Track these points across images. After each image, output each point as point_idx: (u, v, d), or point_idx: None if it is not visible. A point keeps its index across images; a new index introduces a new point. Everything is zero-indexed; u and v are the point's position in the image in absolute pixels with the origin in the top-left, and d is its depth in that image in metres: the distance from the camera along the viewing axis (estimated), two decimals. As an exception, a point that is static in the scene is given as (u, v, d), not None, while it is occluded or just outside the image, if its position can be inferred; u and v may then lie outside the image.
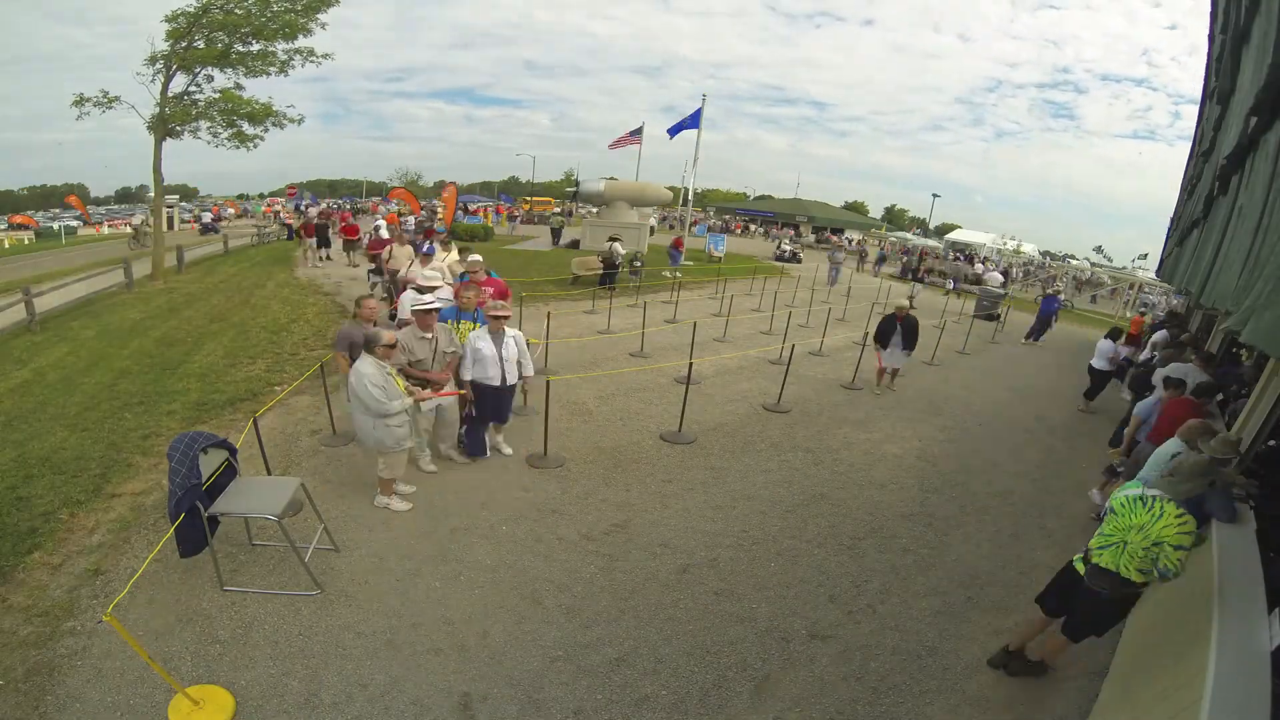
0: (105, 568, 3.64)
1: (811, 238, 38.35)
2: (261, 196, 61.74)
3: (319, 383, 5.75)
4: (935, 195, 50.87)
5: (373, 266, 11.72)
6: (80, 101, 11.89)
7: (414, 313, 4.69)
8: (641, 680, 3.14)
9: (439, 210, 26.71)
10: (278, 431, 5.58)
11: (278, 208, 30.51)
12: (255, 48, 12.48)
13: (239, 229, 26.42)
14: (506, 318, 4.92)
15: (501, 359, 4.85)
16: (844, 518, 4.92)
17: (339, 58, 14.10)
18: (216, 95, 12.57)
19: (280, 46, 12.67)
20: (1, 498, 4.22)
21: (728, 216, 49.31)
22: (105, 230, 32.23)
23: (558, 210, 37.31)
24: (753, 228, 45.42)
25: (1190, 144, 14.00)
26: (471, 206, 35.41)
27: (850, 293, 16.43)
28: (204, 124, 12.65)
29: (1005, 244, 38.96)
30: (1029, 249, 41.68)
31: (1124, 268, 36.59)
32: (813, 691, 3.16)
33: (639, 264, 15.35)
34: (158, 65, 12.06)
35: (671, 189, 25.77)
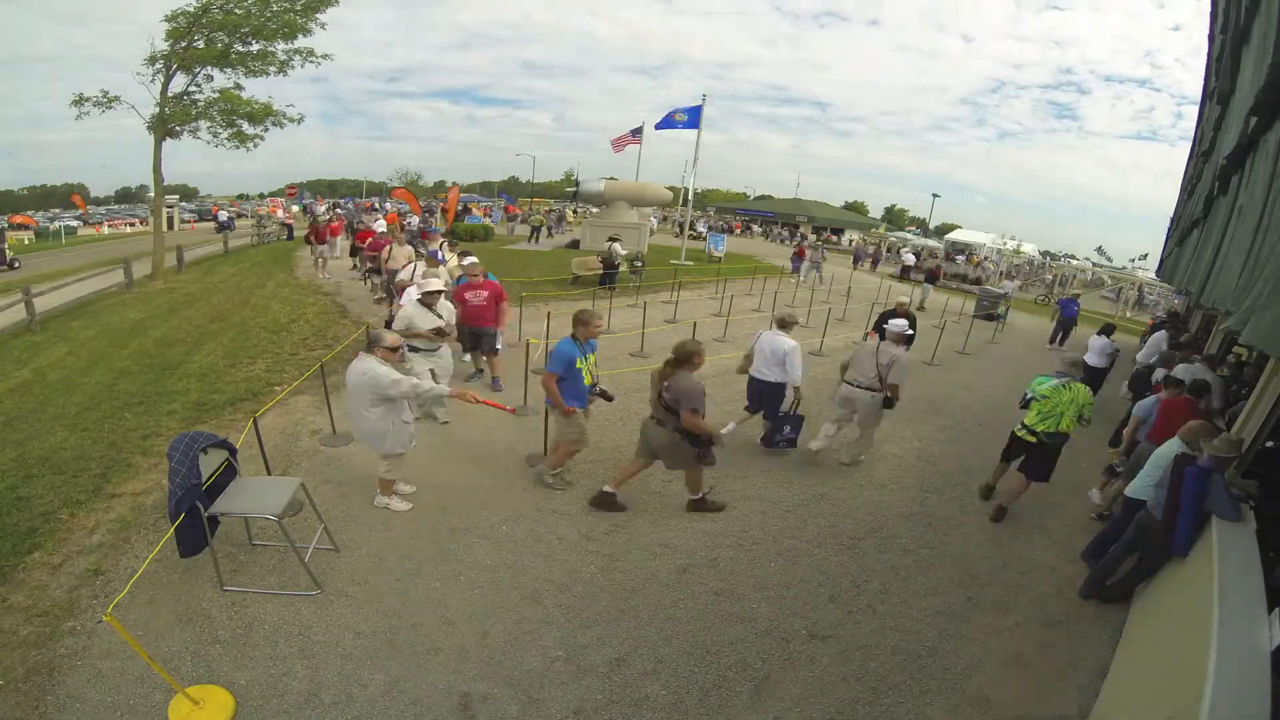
0: (105, 568, 3.64)
1: (812, 237, 38.43)
2: (261, 196, 61.77)
3: (319, 383, 5.75)
4: (935, 195, 50.99)
5: (370, 266, 11.69)
6: (80, 101, 11.89)
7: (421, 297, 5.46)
8: (641, 680, 3.14)
9: (439, 210, 26.73)
10: (278, 431, 5.58)
11: (281, 214, 30.36)
12: (255, 48, 12.49)
13: (240, 229, 26.42)
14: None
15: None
16: (844, 518, 4.92)
17: (339, 58, 14.13)
18: (216, 95, 12.58)
19: (280, 46, 12.68)
20: (1, 498, 4.22)
21: (728, 216, 49.32)
22: (105, 230, 32.24)
23: (546, 210, 37.35)
24: (754, 228, 45.44)
25: (1190, 144, 14.02)
26: (477, 207, 35.42)
27: (850, 293, 16.43)
28: (204, 124, 12.66)
29: (1005, 244, 38.98)
30: (1029, 249, 41.72)
31: (1124, 268, 36.62)
32: (813, 691, 3.16)
33: (640, 264, 15.36)
34: (157, 65, 12.07)
35: (671, 189, 25.77)
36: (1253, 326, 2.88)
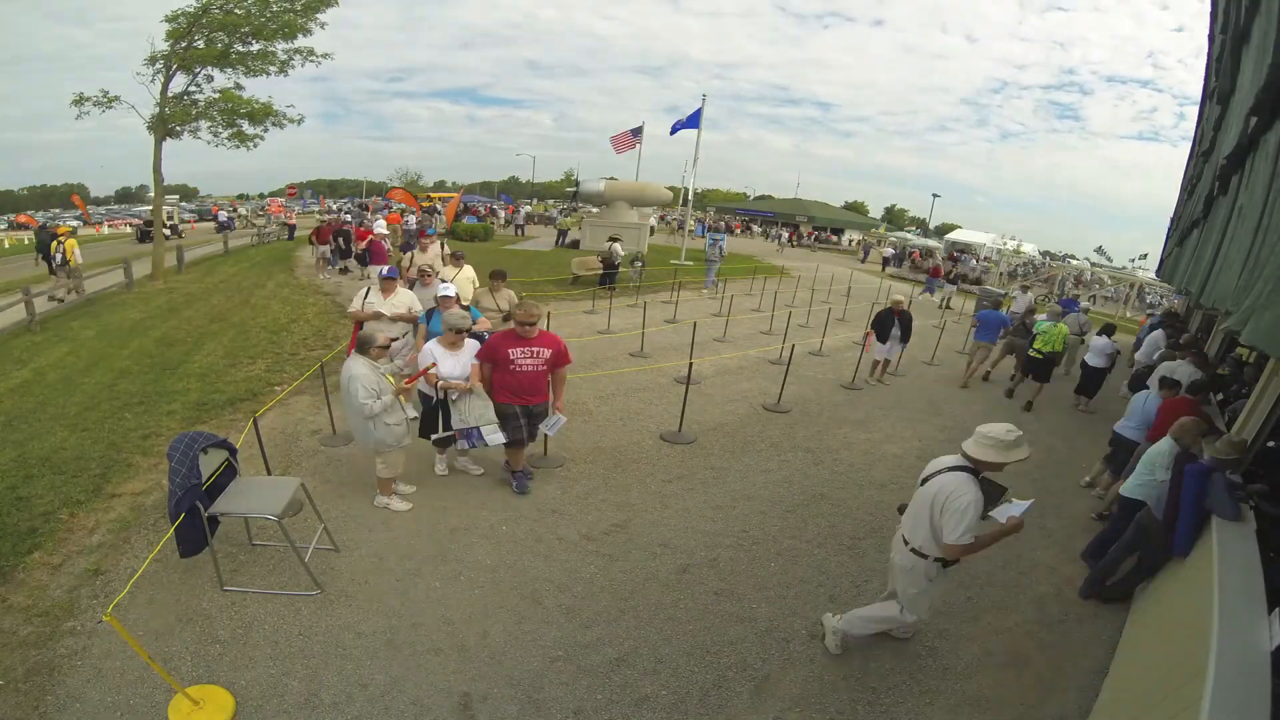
0: (105, 568, 3.64)
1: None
2: (261, 196, 61.74)
3: (319, 383, 5.75)
4: (935, 195, 50.98)
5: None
6: (80, 101, 11.89)
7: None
8: (641, 680, 3.14)
9: (439, 211, 26.72)
10: (278, 431, 5.58)
11: (283, 216, 30.31)
12: (255, 48, 12.49)
13: (242, 229, 26.42)
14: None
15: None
16: (844, 518, 4.92)
17: (340, 58, 14.14)
18: (216, 95, 12.58)
19: (280, 46, 12.68)
20: (1, 498, 4.23)
21: (727, 216, 49.32)
22: (105, 230, 32.23)
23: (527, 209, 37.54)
24: (754, 228, 45.42)
25: (1190, 144, 14.02)
26: (472, 206, 35.42)
27: (850, 293, 16.43)
28: (204, 124, 12.66)
29: (1005, 244, 38.99)
30: (1029, 249, 41.72)
31: (1124, 268, 36.61)
32: (813, 691, 3.16)
33: (640, 264, 15.35)
34: (157, 65, 12.06)
35: (671, 189, 25.79)
36: (1253, 326, 2.88)
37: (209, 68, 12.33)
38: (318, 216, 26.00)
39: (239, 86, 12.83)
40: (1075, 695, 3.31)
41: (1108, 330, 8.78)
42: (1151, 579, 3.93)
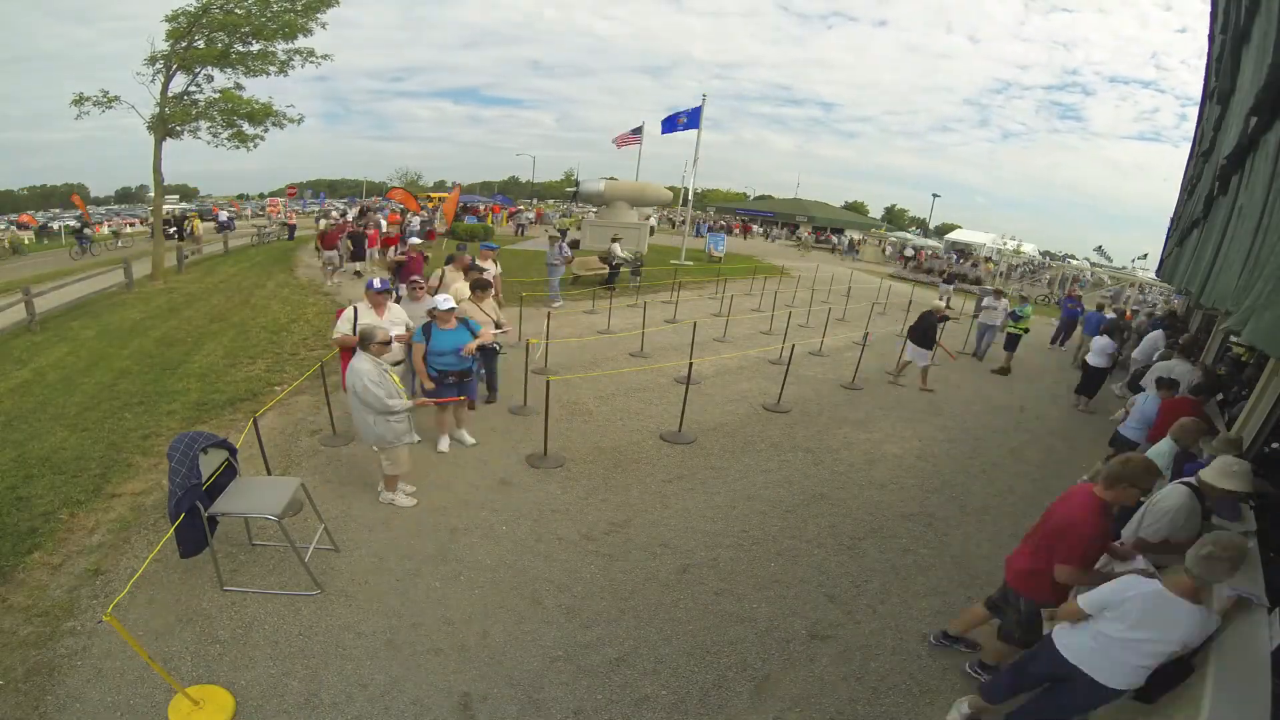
0: (105, 568, 3.64)
1: (811, 238, 38.48)
2: (261, 196, 61.73)
3: (319, 383, 5.75)
4: (935, 195, 50.92)
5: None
6: (80, 101, 11.89)
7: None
8: (641, 680, 3.14)
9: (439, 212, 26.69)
10: (278, 431, 5.58)
11: (283, 217, 30.23)
12: (255, 48, 12.49)
13: (242, 229, 26.43)
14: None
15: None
16: (844, 518, 4.92)
17: (341, 57, 14.16)
18: (216, 95, 12.59)
19: (280, 47, 12.68)
20: (1, 498, 4.23)
21: (728, 216, 49.29)
22: (105, 230, 32.22)
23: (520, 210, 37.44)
24: (755, 228, 45.37)
25: (1190, 144, 14.01)
26: (472, 206, 35.40)
27: (850, 293, 16.43)
28: (204, 124, 12.67)
29: (1005, 244, 38.96)
30: (1029, 249, 41.68)
31: (1124, 268, 36.60)
32: (813, 691, 3.16)
33: (639, 263, 15.32)
34: (158, 65, 12.07)
35: (671, 189, 25.78)
36: (1253, 326, 2.88)
37: (209, 68, 12.34)
38: (318, 220, 24.55)
39: (239, 87, 12.85)
40: (1075, 695, 3.31)
41: (1109, 331, 8.78)
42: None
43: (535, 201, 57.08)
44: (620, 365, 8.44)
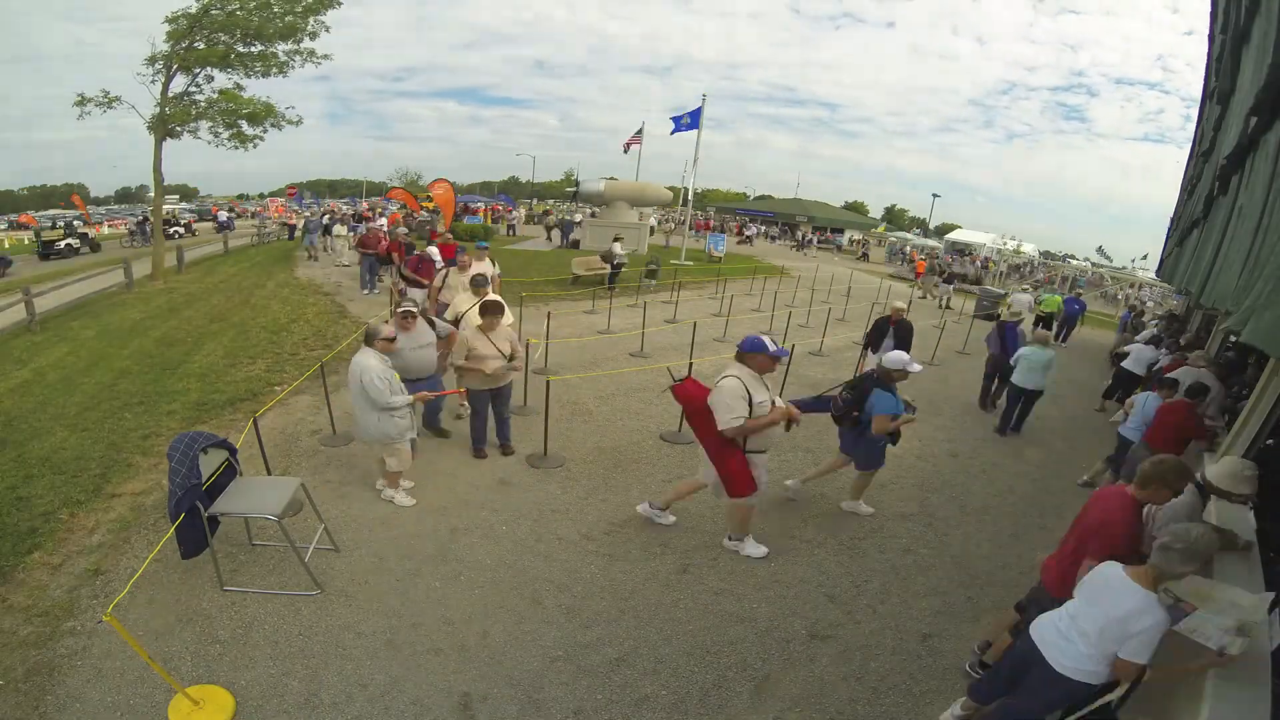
0: (105, 568, 3.64)
1: (814, 238, 38.51)
2: (261, 196, 61.73)
3: (319, 383, 5.75)
4: (935, 195, 50.86)
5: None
6: (82, 102, 11.90)
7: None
8: (641, 680, 3.14)
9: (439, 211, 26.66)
10: (278, 431, 5.58)
11: (284, 216, 30.16)
12: (255, 49, 12.50)
13: (242, 229, 26.44)
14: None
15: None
16: (844, 518, 4.92)
17: (344, 57, 14.19)
18: (216, 95, 12.59)
19: (280, 47, 12.69)
20: (1, 498, 4.23)
21: (727, 216, 49.28)
22: (105, 230, 32.24)
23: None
24: (751, 229, 45.29)
25: (1190, 144, 14.02)
26: (473, 206, 35.43)
27: (850, 293, 16.43)
28: (204, 124, 12.68)
29: (1005, 244, 38.99)
30: (1029, 249, 41.71)
31: (1124, 268, 36.61)
32: (813, 691, 3.16)
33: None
34: (158, 65, 12.08)
35: (671, 189, 25.78)
36: (1253, 326, 2.88)
37: (209, 68, 12.34)
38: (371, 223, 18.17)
39: (239, 87, 12.85)
40: (1075, 695, 3.31)
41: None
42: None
43: (535, 201, 57.05)
44: (620, 365, 8.43)
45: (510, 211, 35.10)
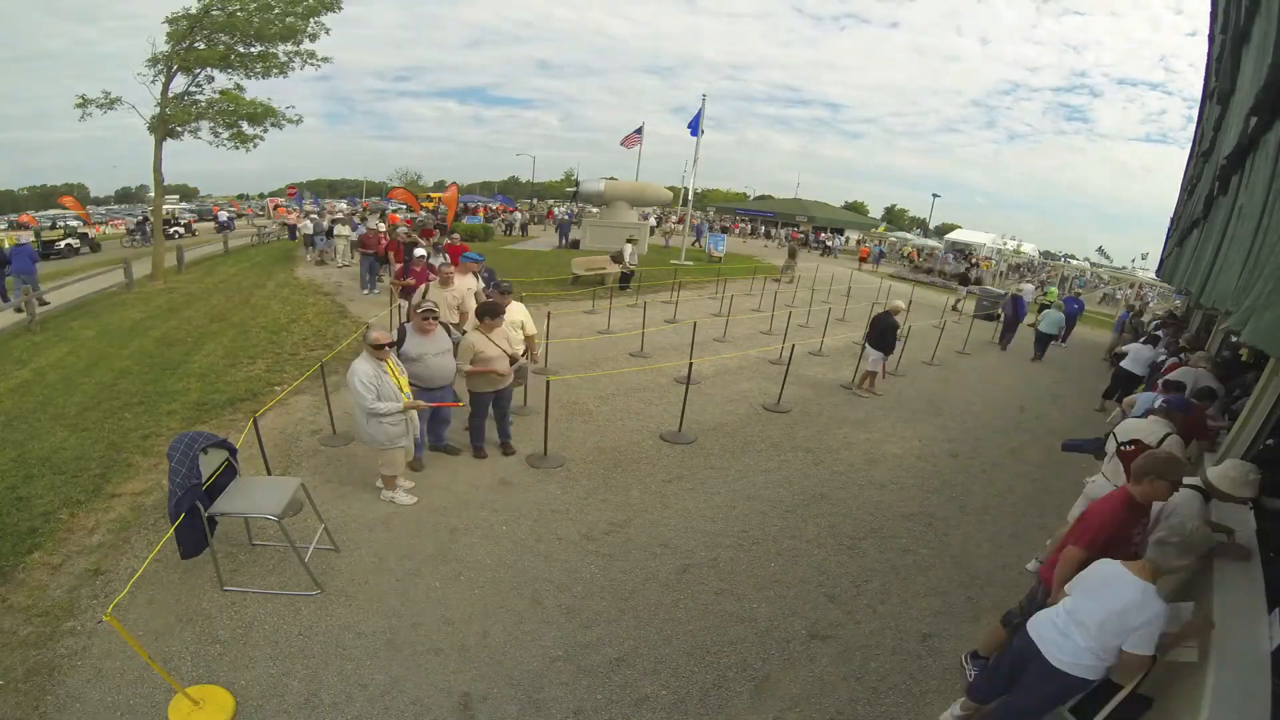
0: (105, 568, 3.64)
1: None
2: (261, 196, 61.75)
3: (319, 383, 5.74)
4: (935, 195, 50.85)
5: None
6: (83, 104, 11.90)
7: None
8: (641, 680, 3.14)
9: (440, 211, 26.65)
10: (278, 431, 5.58)
11: (285, 216, 30.08)
12: (256, 49, 12.50)
13: (242, 229, 26.43)
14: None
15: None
16: (844, 518, 4.92)
17: (346, 57, 14.29)
18: (217, 96, 12.59)
19: (281, 49, 12.69)
20: (1, 498, 4.22)
21: (727, 216, 49.24)
22: (105, 230, 32.24)
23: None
24: (738, 230, 45.16)
25: (1191, 144, 14.02)
26: (472, 206, 35.47)
27: (850, 293, 16.44)
28: (204, 124, 12.67)
29: (1005, 244, 39.00)
30: (1029, 249, 41.71)
31: (1124, 268, 36.63)
32: (813, 691, 3.16)
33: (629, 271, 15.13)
34: (158, 66, 12.08)
35: (671, 189, 25.78)
36: (1253, 326, 2.88)
37: (209, 69, 12.34)
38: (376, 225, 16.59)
39: (239, 87, 12.85)
40: (1075, 695, 3.31)
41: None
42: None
43: (535, 202, 57.05)
44: (620, 365, 8.44)
45: (512, 211, 35.10)
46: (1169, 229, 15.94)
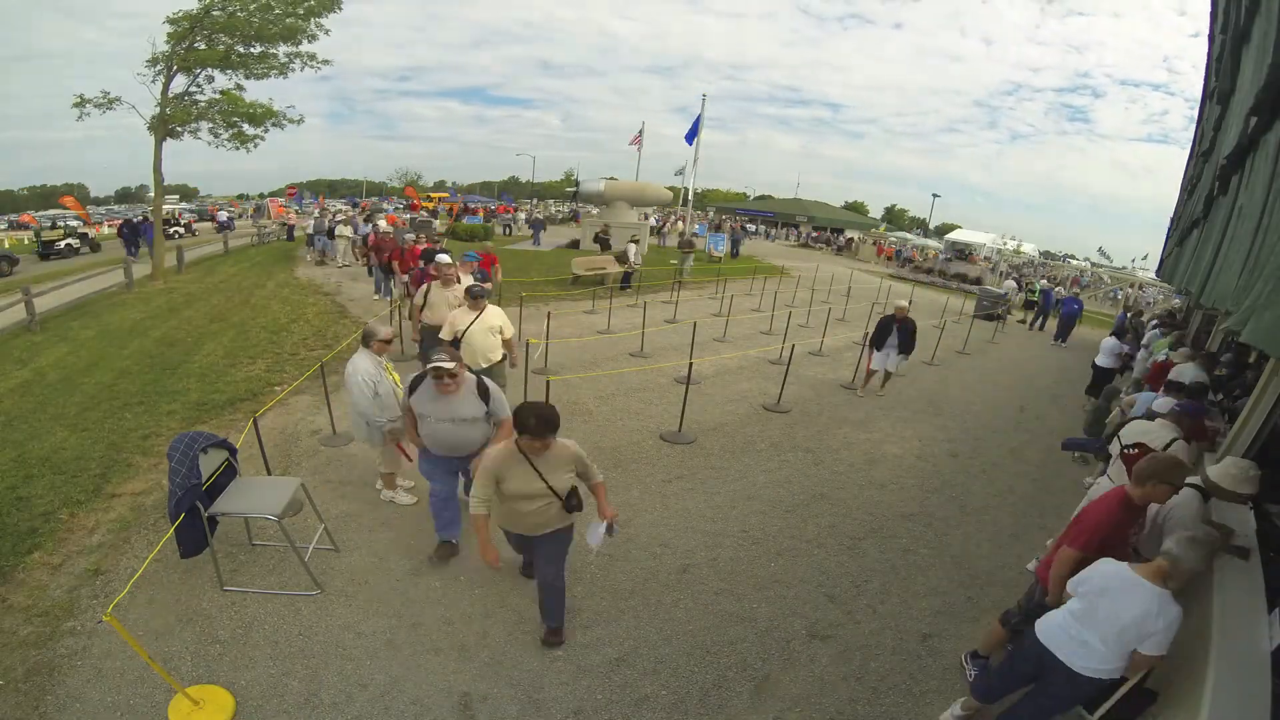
0: (105, 568, 3.64)
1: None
2: (261, 196, 61.71)
3: (319, 383, 5.74)
4: (935, 195, 50.88)
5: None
6: (81, 104, 11.89)
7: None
8: (641, 680, 3.14)
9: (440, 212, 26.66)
10: (278, 431, 5.58)
11: (285, 216, 30.01)
12: (256, 50, 12.50)
13: (243, 229, 26.42)
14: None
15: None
16: (844, 518, 4.92)
17: (348, 57, 14.31)
18: (217, 96, 12.60)
19: (281, 49, 12.70)
20: (1, 498, 4.22)
21: (727, 216, 49.25)
22: (105, 230, 32.25)
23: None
24: (753, 228, 45.25)
25: (1191, 144, 14.02)
26: (472, 206, 35.48)
27: (850, 293, 16.44)
28: (204, 124, 12.67)
29: (1005, 244, 38.98)
30: (1029, 249, 41.69)
31: (1124, 268, 36.63)
32: (813, 691, 3.16)
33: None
34: (159, 66, 12.07)
35: (671, 189, 25.79)
36: (1253, 326, 2.88)
37: (209, 69, 12.34)
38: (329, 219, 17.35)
39: (239, 88, 12.85)
40: (1075, 695, 3.31)
41: (1118, 332, 8.75)
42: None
43: (536, 201, 57.06)
44: (620, 365, 8.43)
45: (513, 212, 35.10)
46: (1169, 229, 15.94)
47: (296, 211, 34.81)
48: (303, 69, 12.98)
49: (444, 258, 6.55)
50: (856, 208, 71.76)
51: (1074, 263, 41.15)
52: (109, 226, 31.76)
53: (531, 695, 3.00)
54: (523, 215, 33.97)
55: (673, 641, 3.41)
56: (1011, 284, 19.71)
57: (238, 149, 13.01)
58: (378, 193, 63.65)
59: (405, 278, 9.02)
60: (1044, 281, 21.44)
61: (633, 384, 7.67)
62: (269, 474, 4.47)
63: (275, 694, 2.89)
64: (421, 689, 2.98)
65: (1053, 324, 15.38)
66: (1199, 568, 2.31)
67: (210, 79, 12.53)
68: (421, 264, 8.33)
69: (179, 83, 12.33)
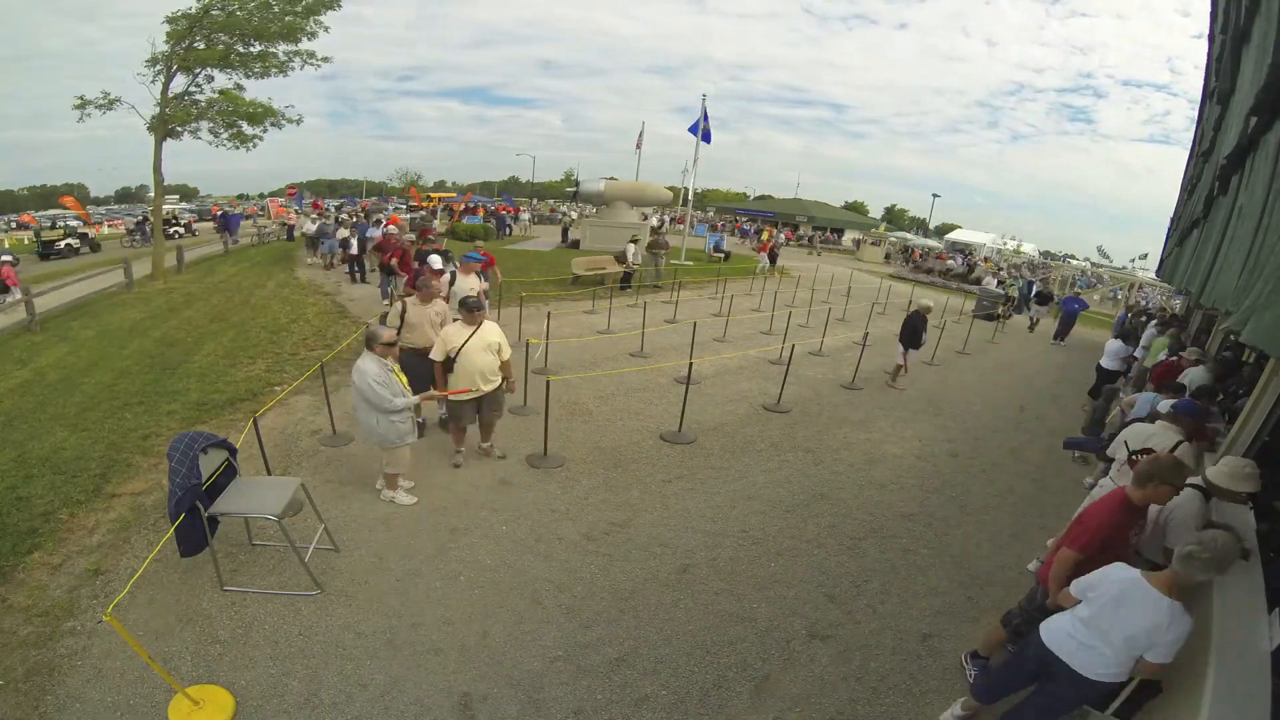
0: (105, 568, 3.64)
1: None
2: (261, 196, 61.71)
3: (319, 383, 5.74)
4: (935, 195, 50.89)
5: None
6: (82, 104, 11.89)
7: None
8: (641, 680, 3.14)
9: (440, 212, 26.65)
10: (278, 431, 5.58)
11: (284, 216, 29.92)
12: (255, 49, 12.50)
13: (242, 229, 26.39)
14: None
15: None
16: (844, 518, 4.92)
17: (348, 56, 14.31)
18: (217, 95, 12.60)
19: (281, 48, 12.70)
20: (1, 498, 4.23)
21: (727, 216, 49.25)
22: (105, 230, 32.26)
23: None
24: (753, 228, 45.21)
25: (1191, 144, 14.03)
26: (472, 206, 35.43)
27: (850, 293, 16.43)
28: (204, 124, 12.67)
29: (1005, 244, 38.99)
30: (1029, 249, 41.71)
31: (1123, 268, 36.63)
32: (813, 691, 3.16)
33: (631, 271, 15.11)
34: (158, 66, 12.08)
35: (671, 189, 25.77)
36: (1253, 326, 2.88)
37: (209, 69, 12.34)
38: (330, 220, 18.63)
39: (239, 87, 12.85)
40: (1075, 695, 3.31)
41: (1123, 336, 8.73)
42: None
43: (536, 202, 57.07)
44: (620, 365, 8.43)
45: (514, 212, 35.05)
46: (1169, 229, 15.94)
47: (296, 211, 34.79)
48: (303, 67, 13.00)
49: (435, 260, 6.27)
50: (857, 207, 71.73)
51: (1074, 262, 41.14)
52: (109, 226, 31.79)
53: (531, 695, 3.00)
54: (525, 215, 33.93)
55: (673, 641, 3.41)
56: (992, 280, 19.85)
57: (237, 149, 13.02)
58: (378, 193, 63.63)
59: (406, 277, 9.18)
60: (989, 280, 20.80)
61: (633, 384, 7.67)
62: (269, 474, 4.48)
63: (275, 694, 2.89)
64: (421, 689, 2.98)
65: (1052, 324, 15.31)
66: (1204, 579, 2.31)
67: (210, 78, 12.54)
68: (417, 264, 8.33)
69: (179, 82, 12.34)
